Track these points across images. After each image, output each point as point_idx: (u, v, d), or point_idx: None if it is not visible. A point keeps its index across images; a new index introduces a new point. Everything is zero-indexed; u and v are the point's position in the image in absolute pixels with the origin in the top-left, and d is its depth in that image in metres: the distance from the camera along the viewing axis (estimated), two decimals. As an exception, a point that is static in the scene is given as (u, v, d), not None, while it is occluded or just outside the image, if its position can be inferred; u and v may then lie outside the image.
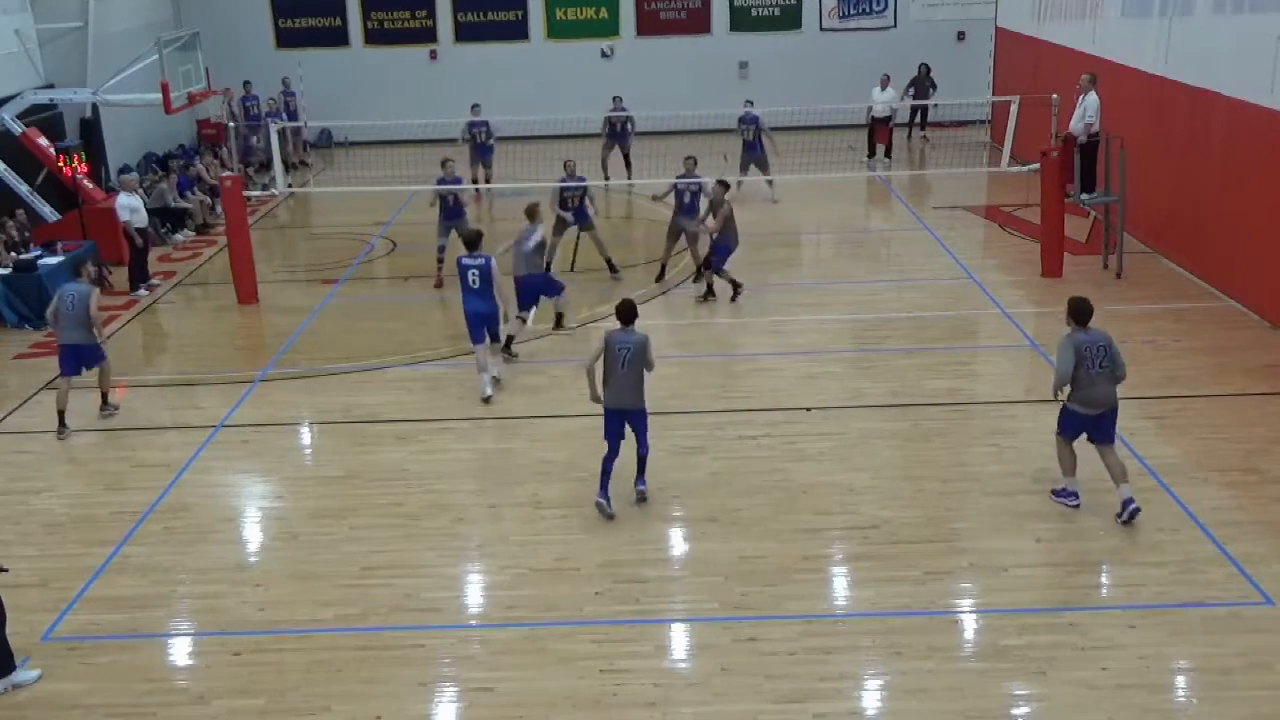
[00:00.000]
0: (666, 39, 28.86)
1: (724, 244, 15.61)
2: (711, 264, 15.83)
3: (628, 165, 22.90)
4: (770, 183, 21.16)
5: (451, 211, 16.84)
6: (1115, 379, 9.80)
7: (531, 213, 14.42)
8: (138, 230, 17.40)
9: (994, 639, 8.48)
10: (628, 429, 10.33)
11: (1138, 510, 9.76)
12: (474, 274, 12.79)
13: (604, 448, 10.33)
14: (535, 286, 14.39)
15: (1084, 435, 9.97)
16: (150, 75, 20.04)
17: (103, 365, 12.89)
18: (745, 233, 19.65)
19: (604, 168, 22.64)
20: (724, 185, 15.82)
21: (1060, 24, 22.09)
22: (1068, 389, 9.85)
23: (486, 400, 12.89)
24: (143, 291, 17.50)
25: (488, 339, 13.07)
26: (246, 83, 26.36)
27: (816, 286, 16.36)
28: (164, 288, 17.93)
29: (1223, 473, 10.72)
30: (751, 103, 21.57)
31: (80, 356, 12.67)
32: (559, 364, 13.91)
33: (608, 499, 10.30)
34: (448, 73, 28.67)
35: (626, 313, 10.28)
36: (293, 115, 26.34)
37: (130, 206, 17.44)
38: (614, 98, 23.55)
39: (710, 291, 15.95)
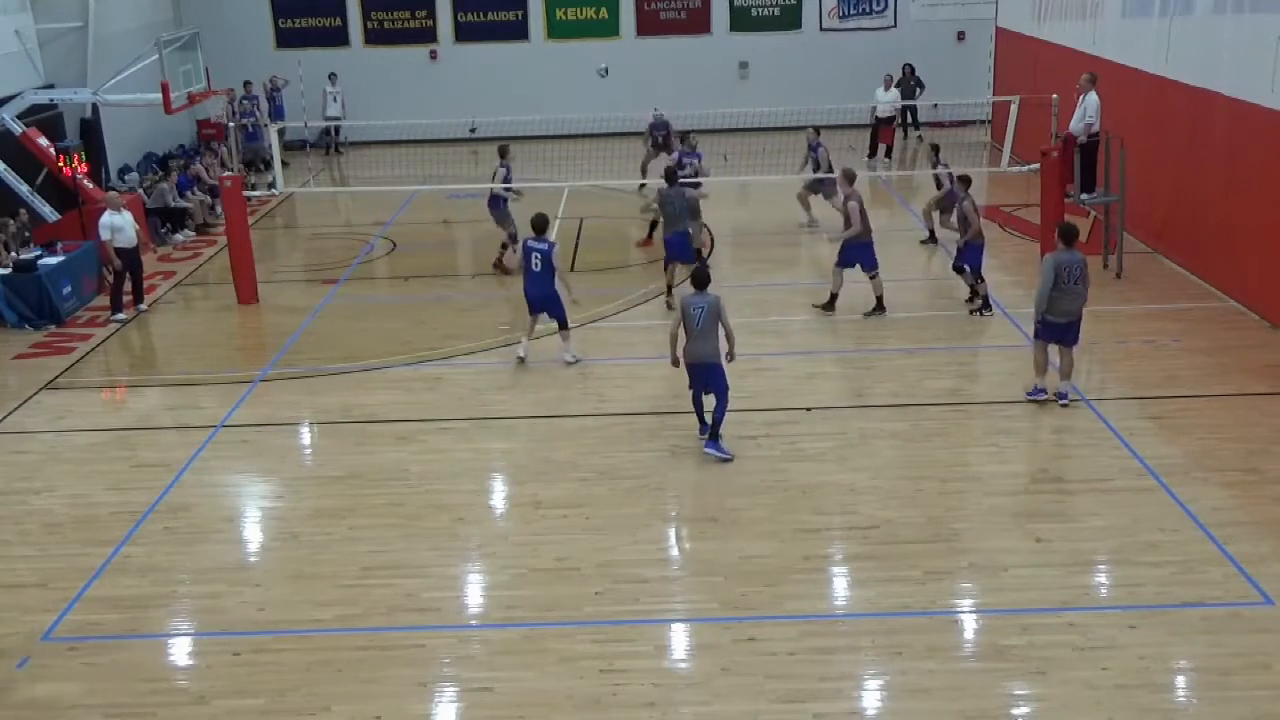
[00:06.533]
0: (666, 39, 28.86)
1: (975, 244, 14.99)
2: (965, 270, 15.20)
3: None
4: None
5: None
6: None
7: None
8: (119, 251, 16.00)
9: (994, 639, 8.47)
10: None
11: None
12: (537, 257, 13.41)
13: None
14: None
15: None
16: (150, 75, 20.03)
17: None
18: (745, 232, 19.83)
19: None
20: (965, 181, 15.20)
21: (1060, 24, 22.08)
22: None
23: (521, 360, 13.88)
24: (123, 315, 16.22)
25: (536, 323, 13.90)
26: (247, 83, 26.38)
27: (816, 286, 16.31)
28: (164, 288, 17.93)
29: (1223, 473, 10.71)
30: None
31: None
32: (559, 364, 13.91)
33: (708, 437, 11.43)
34: (448, 73, 28.70)
35: (700, 279, 11.47)
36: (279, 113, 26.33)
37: (113, 226, 16.04)
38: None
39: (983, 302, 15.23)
